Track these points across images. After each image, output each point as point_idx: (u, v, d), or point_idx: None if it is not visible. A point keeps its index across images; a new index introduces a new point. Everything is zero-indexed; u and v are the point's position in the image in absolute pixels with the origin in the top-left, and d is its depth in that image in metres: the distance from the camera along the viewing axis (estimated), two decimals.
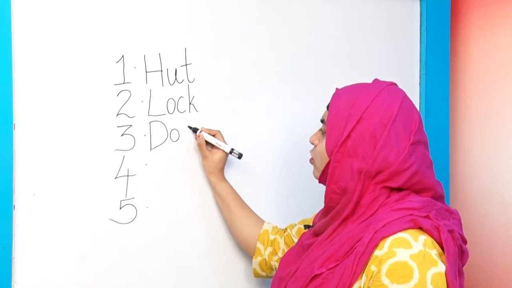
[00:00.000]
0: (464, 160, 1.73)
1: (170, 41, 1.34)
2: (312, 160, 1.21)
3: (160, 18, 1.33)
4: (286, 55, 1.50)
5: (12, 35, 1.16)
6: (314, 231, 1.18)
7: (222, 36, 1.41)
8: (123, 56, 1.28)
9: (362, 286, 1.00)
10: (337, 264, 1.04)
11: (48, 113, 1.21)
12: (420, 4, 1.70)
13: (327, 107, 1.17)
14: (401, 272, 0.96)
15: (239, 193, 1.40)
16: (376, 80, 1.17)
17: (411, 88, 1.69)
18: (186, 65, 1.36)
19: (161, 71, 1.33)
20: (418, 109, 1.67)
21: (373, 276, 0.98)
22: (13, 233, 1.17)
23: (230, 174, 1.41)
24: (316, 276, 1.05)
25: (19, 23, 1.18)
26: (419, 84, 1.70)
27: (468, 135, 1.72)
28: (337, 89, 1.18)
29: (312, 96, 1.52)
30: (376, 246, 1.00)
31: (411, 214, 1.04)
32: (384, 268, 0.97)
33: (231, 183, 1.40)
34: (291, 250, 1.24)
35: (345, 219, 1.09)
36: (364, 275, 1.00)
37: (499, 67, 1.64)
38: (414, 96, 1.69)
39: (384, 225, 1.02)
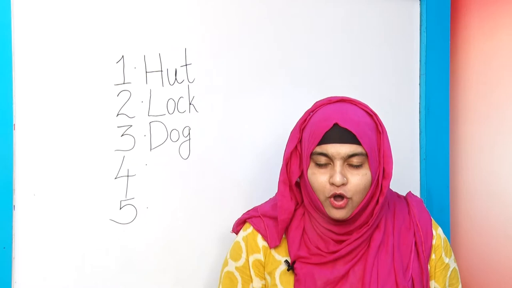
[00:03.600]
0: (464, 160, 1.72)
1: (170, 41, 1.34)
2: (348, 201, 1.13)
3: (160, 18, 1.33)
4: (286, 55, 1.50)
5: (12, 35, 1.16)
6: (335, 256, 1.17)
7: (222, 36, 1.41)
8: (123, 56, 1.28)
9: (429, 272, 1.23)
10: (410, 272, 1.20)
11: (48, 113, 1.21)
12: (420, 4, 1.70)
13: (340, 139, 1.13)
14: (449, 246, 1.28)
15: (237, 192, 1.40)
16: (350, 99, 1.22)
17: (411, 88, 1.69)
18: (186, 65, 1.36)
19: (161, 71, 1.33)
20: (418, 109, 1.70)
21: (436, 262, 1.24)
22: (13, 233, 1.17)
23: (230, 173, 1.42)
24: None
25: (19, 23, 1.18)
26: (419, 84, 1.70)
27: (468, 135, 1.72)
28: (341, 116, 1.15)
29: (312, 96, 1.51)
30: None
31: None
32: (443, 252, 1.25)
33: (230, 181, 1.40)
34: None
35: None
36: (428, 265, 1.23)
37: (499, 67, 1.64)
38: (414, 96, 1.69)
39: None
